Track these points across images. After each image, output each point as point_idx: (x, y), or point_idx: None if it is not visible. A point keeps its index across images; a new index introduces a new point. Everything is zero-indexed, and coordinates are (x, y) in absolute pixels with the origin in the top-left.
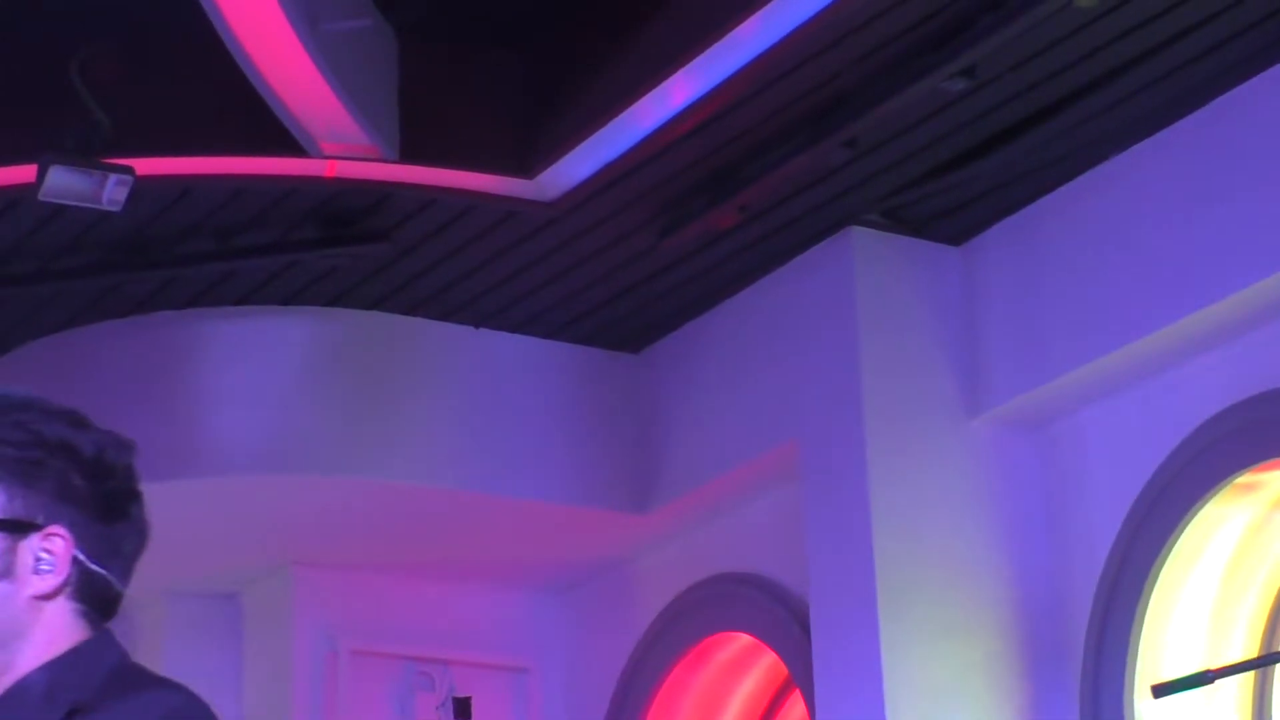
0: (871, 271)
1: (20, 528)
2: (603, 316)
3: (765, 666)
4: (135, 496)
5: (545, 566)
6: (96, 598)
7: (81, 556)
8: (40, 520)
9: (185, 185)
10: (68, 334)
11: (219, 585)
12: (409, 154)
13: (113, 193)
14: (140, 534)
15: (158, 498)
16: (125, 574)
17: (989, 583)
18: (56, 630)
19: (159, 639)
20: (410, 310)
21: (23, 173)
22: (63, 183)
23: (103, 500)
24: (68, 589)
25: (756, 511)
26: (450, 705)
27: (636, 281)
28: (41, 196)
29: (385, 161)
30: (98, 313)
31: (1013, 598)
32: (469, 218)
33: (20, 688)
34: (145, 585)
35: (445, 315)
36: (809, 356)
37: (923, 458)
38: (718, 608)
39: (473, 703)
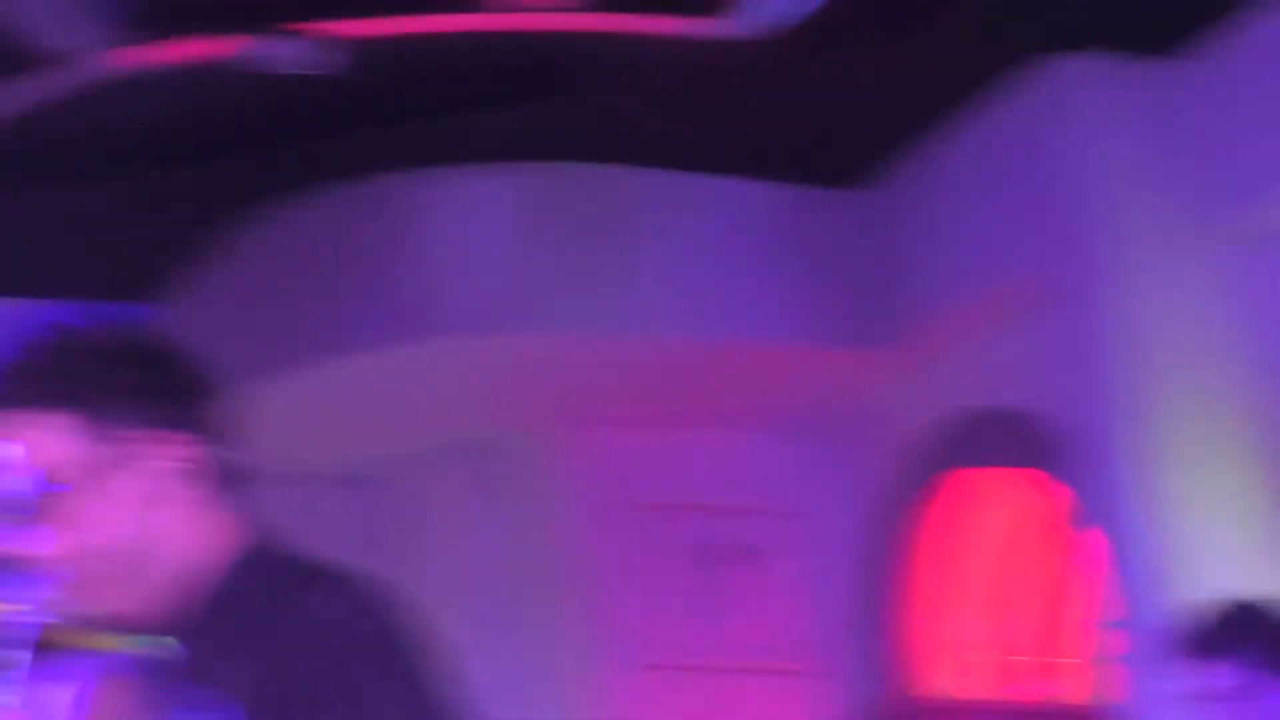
0: (1106, 90)
1: (138, 450)
2: (831, 152)
3: (1018, 499)
4: (214, 379)
5: (781, 408)
6: (227, 485)
7: (202, 452)
8: (151, 436)
9: (400, 47)
10: (296, 201)
11: (483, 444)
12: (615, 2)
13: (328, 57)
14: (234, 410)
15: (420, 359)
16: (240, 452)
17: (1249, 398)
18: (209, 532)
19: (427, 498)
20: (625, 160)
21: (240, 42)
22: (278, 50)
23: (191, 393)
24: (207, 489)
25: (1005, 341)
26: (714, 552)
27: (859, 113)
28: (257, 65)
29: (592, 12)
30: (318, 179)
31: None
32: (679, 63)
33: (191, 596)
34: (413, 446)
35: (662, 163)
36: (1051, 181)
37: (1171, 277)
38: (961, 442)
39: (737, 549)
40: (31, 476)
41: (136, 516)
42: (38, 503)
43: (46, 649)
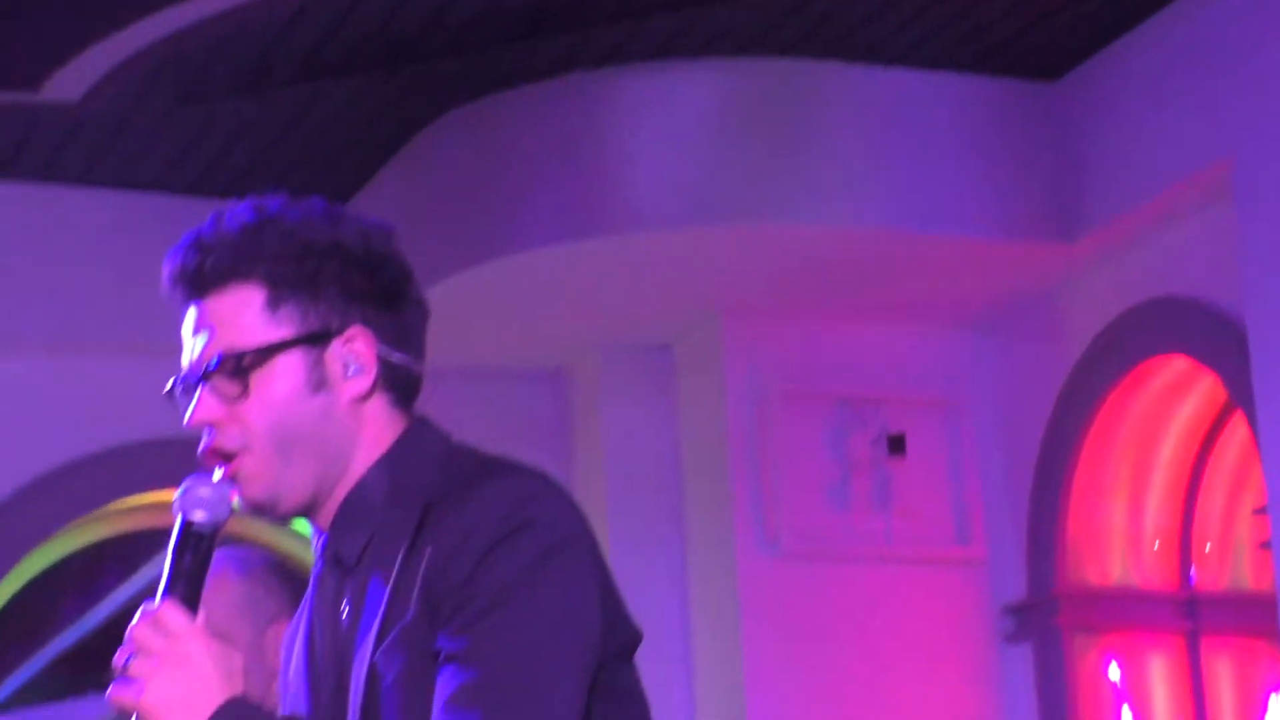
0: None
1: (321, 338)
2: (1017, 46)
3: (1203, 389)
4: (409, 277)
5: (972, 302)
6: (403, 386)
7: (383, 350)
8: (336, 326)
9: None
10: (486, 102)
11: (651, 338)
12: None
13: None
14: (423, 312)
15: (583, 256)
16: (420, 356)
17: None
18: (379, 427)
19: (596, 393)
20: (820, 54)
21: None
22: None
23: (383, 290)
24: (378, 385)
25: (1189, 233)
26: (884, 443)
27: (1052, 7)
28: None
29: None
30: (512, 80)
31: None
32: None
33: (360, 489)
34: (579, 342)
35: (856, 56)
36: (1240, 71)
37: None
38: (1152, 332)
39: (906, 439)
40: (211, 351)
41: (310, 402)
42: (214, 378)
43: (212, 545)
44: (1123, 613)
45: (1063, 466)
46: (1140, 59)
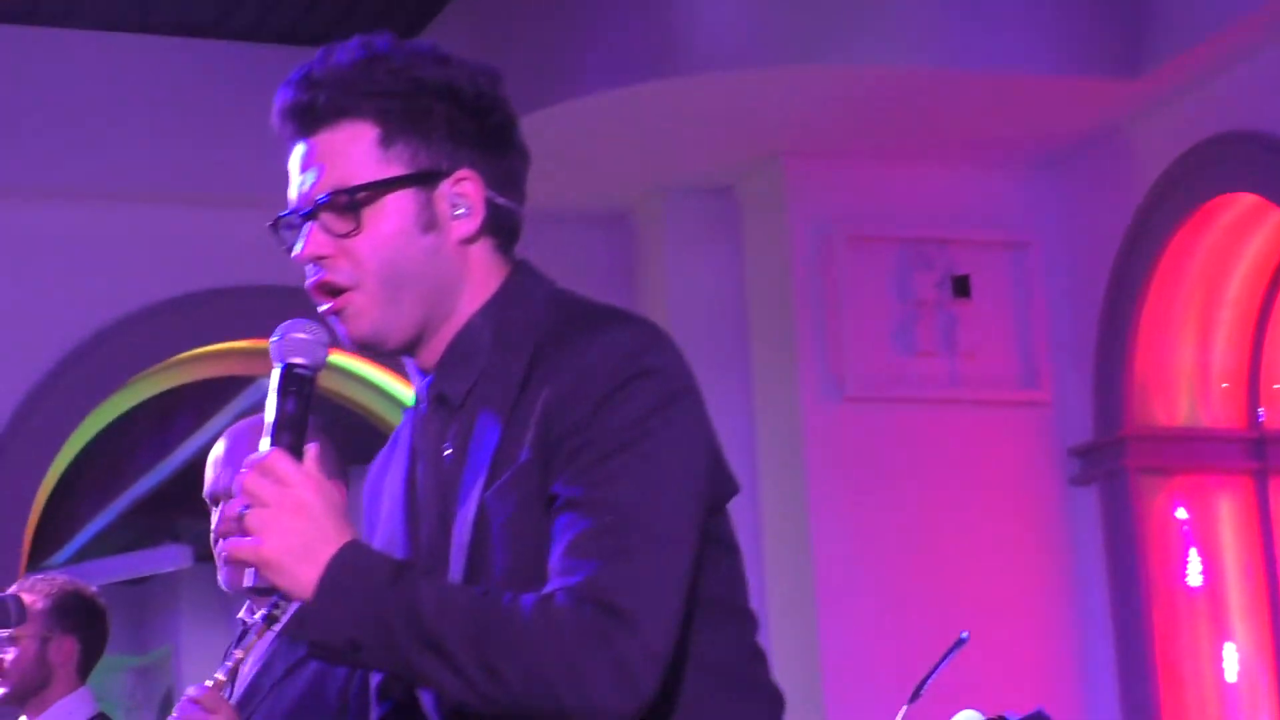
0: None
1: (430, 178)
2: None
3: (1271, 226)
4: (514, 122)
5: (1037, 140)
6: (506, 230)
7: (490, 194)
8: (446, 167)
9: None
10: None
11: (713, 180)
12: None
13: None
14: (525, 157)
15: (645, 99)
16: (522, 200)
17: None
18: (485, 270)
19: (660, 236)
20: None
21: None
22: None
23: (491, 133)
24: (484, 228)
25: (1258, 66)
26: (949, 283)
27: None
28: None
29: None
30: None
31: None
32: None
33: (468, 331)
34: (642, 185)
35: None
36: None
37: None
38: (1220, 168)
39: (971, 280)
40: (322, 186)
41: (419, 241)
42: (325, 213)
43: (314, 388)
44: (1190, 453)
45: (1129, 306)
46: None
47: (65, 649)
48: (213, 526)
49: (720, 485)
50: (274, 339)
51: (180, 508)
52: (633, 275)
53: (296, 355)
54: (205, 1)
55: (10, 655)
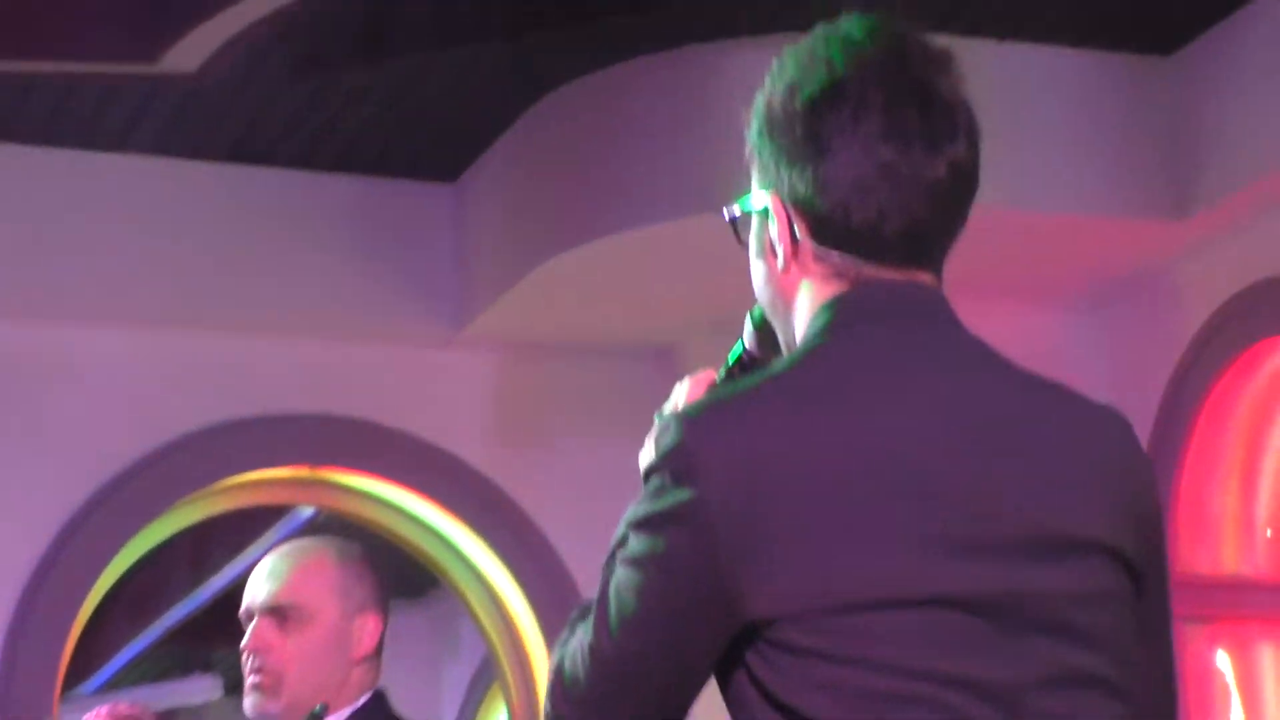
0: None
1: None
2: (1130, 19)
3: None
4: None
5: (1083, 281)
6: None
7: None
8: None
9: None
10: (602, 74)
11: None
12: None
13: None
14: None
15: (693, 232)
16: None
17: None
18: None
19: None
20: (932, 27)
21: None
22: None
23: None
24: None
25: None
26: None
27: None
28: None
29: None
30: (629, 50)
31: None
32: None
33: None
34: (689, 319)
35: (968, 30)
36: None
37: None
38: (1265, 314)
39: None
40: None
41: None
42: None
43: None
44: (1233, 601)
45: (1173, 451)
46: (1255, 33)
47: None
48: (244, 644)
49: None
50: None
51: (214, 638)
52: None
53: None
54: (255, 129)
55: None
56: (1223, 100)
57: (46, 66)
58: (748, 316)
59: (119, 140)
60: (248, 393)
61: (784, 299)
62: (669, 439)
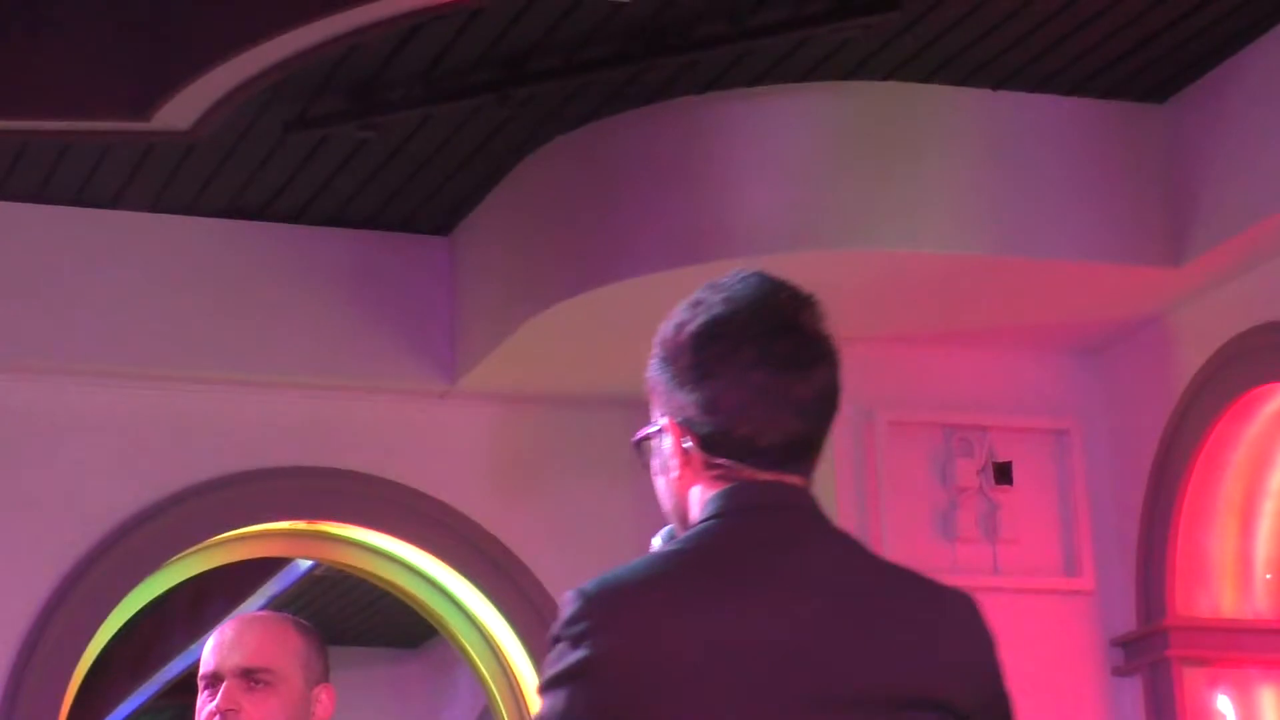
0: None
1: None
2: (1124, 68)
3: None
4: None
5: (1079, 327)
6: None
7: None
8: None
9: None
10: (592, 126)
11: None
12: None
13: None
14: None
15: (689, 282)
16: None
17: None
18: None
19: None
20: (926, 77)
21: None
22: None
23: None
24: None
25: None
26: (990, 470)
27: (1158, 29)
28: None
29: None
30: (619, 103)
31: None
32: None
33: None
34: None
35: (962, 79)
36: None
37: None
38: (1261, 359)
39: (1013, 466)
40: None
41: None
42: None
43: None
44: (1233, 645)
45: (1172, 495)
46: (1247, 81)
47: None
48: (204, 706)
49: None
50: None
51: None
52: None
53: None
54: (250, 184)
55: None
56: (1216, 147)
57: (42, 125)
58: (657, 537)
59: (113, 196)
60: (243, 446)
61: (683, 504)
62: (570, 610)
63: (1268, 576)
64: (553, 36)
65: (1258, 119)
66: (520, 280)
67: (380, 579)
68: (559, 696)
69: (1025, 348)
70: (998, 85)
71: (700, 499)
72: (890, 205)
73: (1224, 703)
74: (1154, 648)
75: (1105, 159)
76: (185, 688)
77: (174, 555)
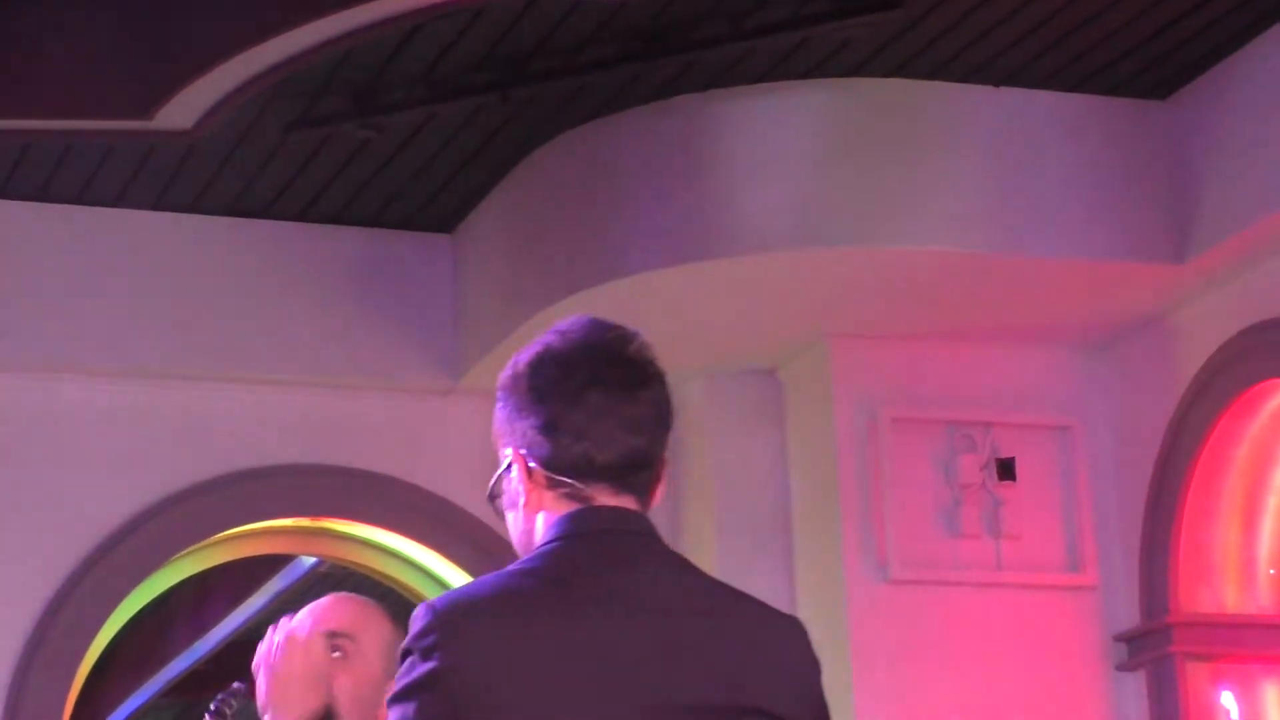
0: None
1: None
2: (1126, 65)
3: None
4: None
5: (1082, 324)
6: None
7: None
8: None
9: None
10: (594, 125)
11: (757, 362)
12: None
13: None
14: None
15: (690, 279)
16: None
17: None
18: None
19: (703, 418)
20: (928, 75)
21: None
22: None
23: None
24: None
25: None
26: (994, 466)
27: (1160, 26)
28: None
29: None
30: (620, 102)
31: None
32: None
33: None
34: (686, 367)
35: (964, 77)
36: None
37: None
38: (1264, 355)
39: (1016, 463)
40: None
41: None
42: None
43: None
44: (1236, 640)
45: (1175, 491)
46: (1250, 78)
47: None
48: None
49: None
50: None
51: (216, 689)
52: (676, 458)
53: None
54: (253, 183)
55: None
56: (1219, 143)
57: (45, 125)
58: None
59: (116, 196)
60: (247, 444)
61: (530, 530)
62: (420, 624)
63: (1271, 572)
64: (554, 36)
65: (1260, 115)
66: (523, 278)
67: (384, 575)
68: (409, 707)
69: (1028, 344)
70: (1000, 83)
71: (545, 522)
72: (892, 203)
73: (1228, 698)
74: (1157, 643)
75: (1108, 156)
76: (189, 686)
77: (177, 553)
